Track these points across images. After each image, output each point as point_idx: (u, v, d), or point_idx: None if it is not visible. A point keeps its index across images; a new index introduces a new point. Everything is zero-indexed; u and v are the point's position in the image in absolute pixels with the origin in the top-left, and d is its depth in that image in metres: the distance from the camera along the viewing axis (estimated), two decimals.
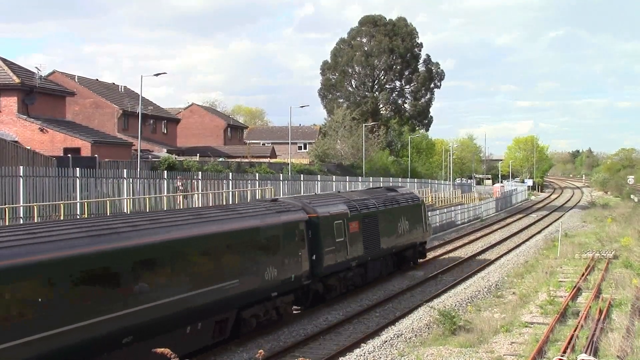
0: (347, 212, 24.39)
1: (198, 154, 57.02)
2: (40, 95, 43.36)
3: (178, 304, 15.34)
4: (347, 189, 53.53)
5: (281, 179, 46.72)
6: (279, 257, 19.47)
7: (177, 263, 15.50)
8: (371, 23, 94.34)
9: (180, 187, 35.35)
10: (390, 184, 56.98)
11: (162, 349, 8.64)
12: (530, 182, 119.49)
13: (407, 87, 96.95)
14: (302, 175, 51.73)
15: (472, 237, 45.77)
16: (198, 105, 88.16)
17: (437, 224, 46.42)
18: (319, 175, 55.16)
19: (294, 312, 22.22)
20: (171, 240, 15.43)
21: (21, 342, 11.62)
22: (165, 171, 36.59)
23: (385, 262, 28.33)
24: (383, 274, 28.25)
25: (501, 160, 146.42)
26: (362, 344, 18.01)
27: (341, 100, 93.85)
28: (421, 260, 32.89)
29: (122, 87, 67.44)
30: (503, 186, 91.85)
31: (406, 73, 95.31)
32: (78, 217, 27.26)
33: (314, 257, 21.63)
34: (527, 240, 43.83)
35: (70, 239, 13.21)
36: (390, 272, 29.09)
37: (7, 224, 23.70)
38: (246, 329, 18.65)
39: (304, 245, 20.96)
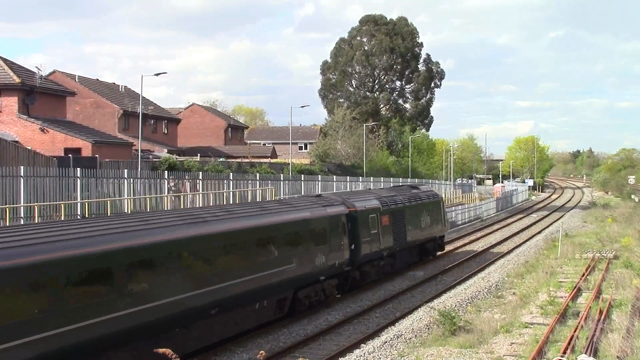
0: (379, 207, 26.64)
1: (199, 154, 57.01)
2: (40, 95, 43.37)
3: (252, 282, 17.55)
4: (348, 189, 53.57)
5: (282, 179, 46.72)
6: (326, 245, 21.83)
7: (250, 247, 17.86)
8: (372, 22, 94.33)
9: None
10: (391, 184, 57.02)
11: (164, 349, 8.69)
12: (530, 182, 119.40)
13: (408, 86, 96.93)
14: (302, 175, 51.71)
15: (472, 237, 45.71)
16: (199, 105, 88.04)
17: None
18: (319, 176, 55.12)
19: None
20: (245, 228, 17.81)
21: (148, 306, 13.90)
22: (166, 171, 36.60)
23: (411, 252, 30.77)
24: (408, 264, 30.69)
25: (502, 160, 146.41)
26: (362, 345, 18.00)
27: (341, 100, 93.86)
28: (440, 252, 34.92)
29: (123, 87, 67.37)
30: (504, 186, 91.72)
31: (406, 73, 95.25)
32: (79, 217, 27.25)
33: (352, 247, 23.91)
34: (527, 240, 43.75)
35: (173, 225, 15.43)
36: (414, 261, 31.54)
37: (7, 224, 23.72)
38: (300, 308, 20.99)
39: (345, 236, 23.33)
